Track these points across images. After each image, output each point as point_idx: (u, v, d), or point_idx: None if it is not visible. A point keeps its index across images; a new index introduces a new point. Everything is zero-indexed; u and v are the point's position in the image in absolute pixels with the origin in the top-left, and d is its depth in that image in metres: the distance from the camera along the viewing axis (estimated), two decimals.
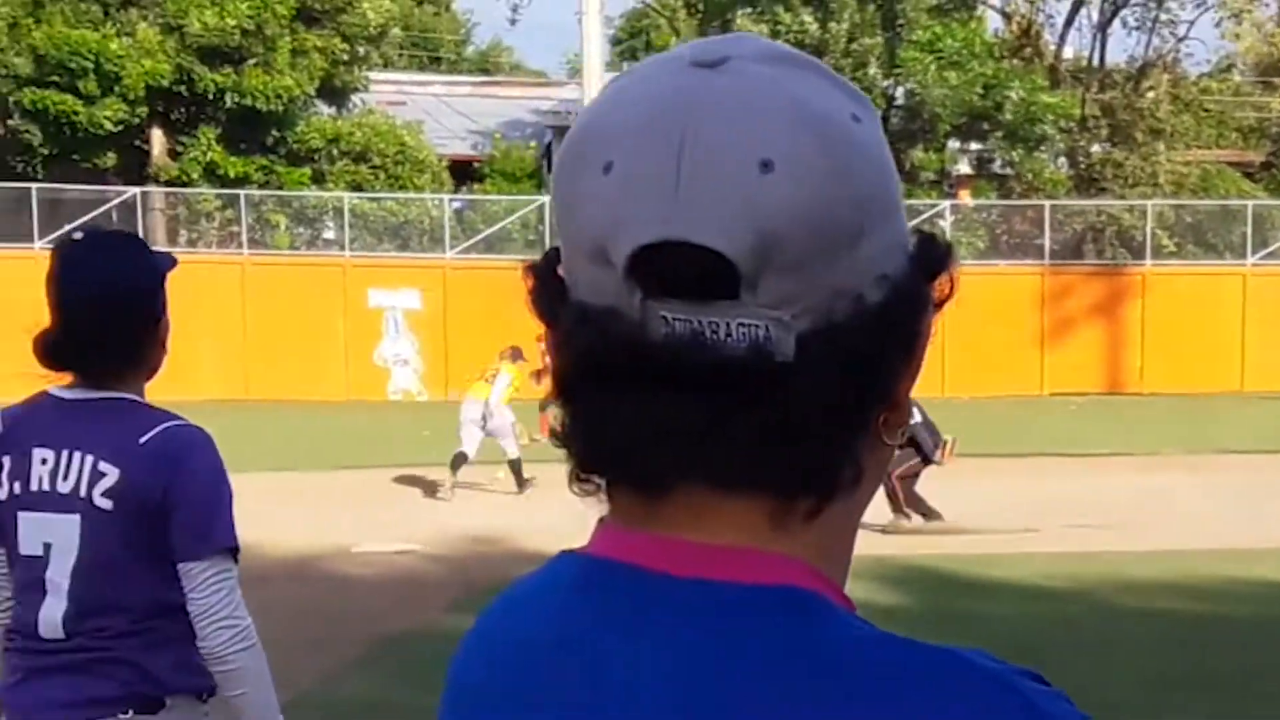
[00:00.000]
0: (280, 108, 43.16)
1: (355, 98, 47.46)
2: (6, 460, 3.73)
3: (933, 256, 1.21)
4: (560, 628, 1.23)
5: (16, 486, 3.71)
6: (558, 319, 1.19)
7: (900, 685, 1.12)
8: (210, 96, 43.15)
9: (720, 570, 1.15)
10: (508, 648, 1.29)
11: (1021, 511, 18.06)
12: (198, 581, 3.78)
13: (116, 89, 42.24)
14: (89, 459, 3.73)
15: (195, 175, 43.39)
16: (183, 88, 43.01)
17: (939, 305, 1.22)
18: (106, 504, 3.72)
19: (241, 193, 41.88)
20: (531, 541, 15.91)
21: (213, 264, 40.71)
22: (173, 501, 3.74)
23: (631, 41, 65.06)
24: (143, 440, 3.78)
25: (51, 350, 3.84)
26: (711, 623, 1.14)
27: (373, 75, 47.98)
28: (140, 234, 39.95)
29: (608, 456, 1.18)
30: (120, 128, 42.70)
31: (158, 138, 44.32)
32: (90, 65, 41.97)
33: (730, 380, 1.10)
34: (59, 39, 41.87)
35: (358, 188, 43.94)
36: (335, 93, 46.06)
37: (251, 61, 43.07)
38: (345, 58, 44.72)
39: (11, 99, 43.01)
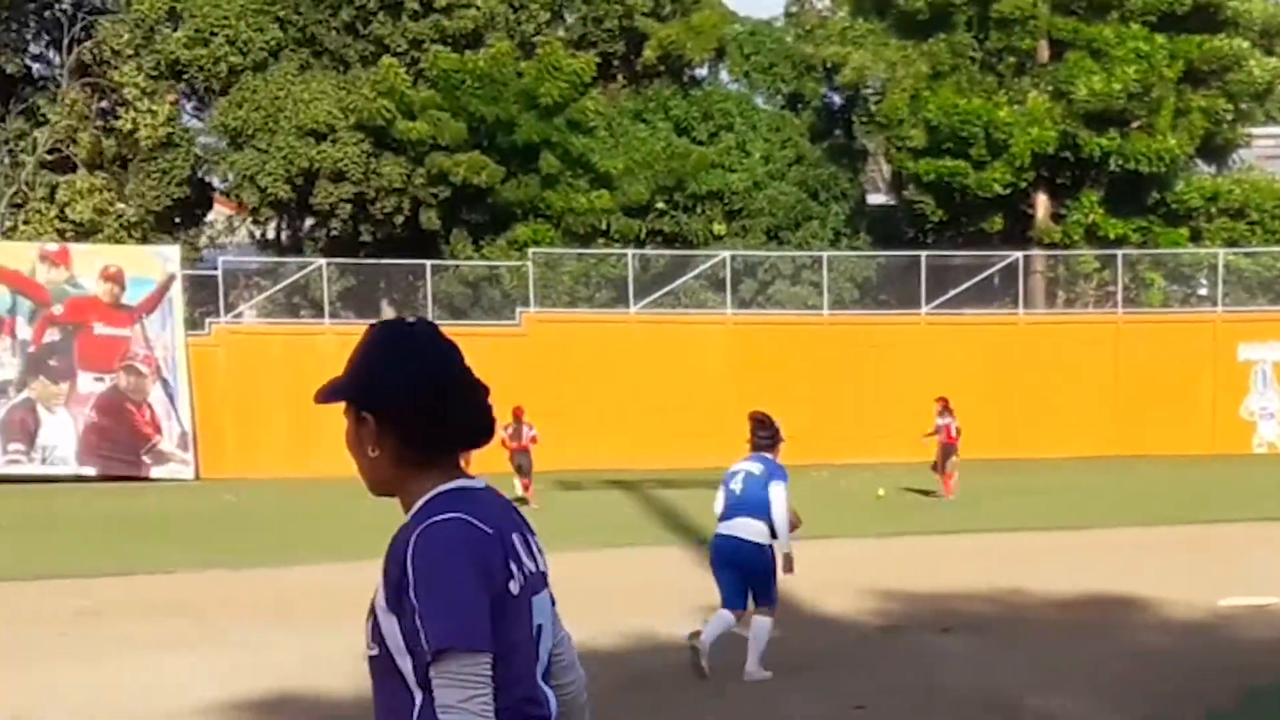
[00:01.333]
0: (1161, 169, 43.68)
1: (1235, 155, 47.26)
2: (504, 554, 3.63)
3: None
4: None
5: (520, 579, 3.67)
6: None
7: None
8: (1094, 160, 44.24)
9: None
10: None
11: None
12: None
13: (1004, 156, 44.02)
14: (530, 536, 3.85)
15: (1076, 237, 44.56)
16: (1067, 153, 44.22)
17: None
18: (548, 570, 3.89)
19: (1119, 253, 42.71)
20: None
21: (1087, 323, 41.96)
22: None
23: None
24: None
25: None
26: None
27: (1254, 131, 47.57)
28: (1021, 296, 41.97)
29: None
30: (1007, 191, 44.44)
31: (1041, 202, 45.71)
32: (980, 133, 43.87)
33: None
34: (949, 108, 44.03)
35: (1233, 244, 43.86)
36: (1215, 151, 46.07)
37: (1135, 124, 43.87)
38: (1228, 116, 44.71)
39: (907, 171, 45.71)
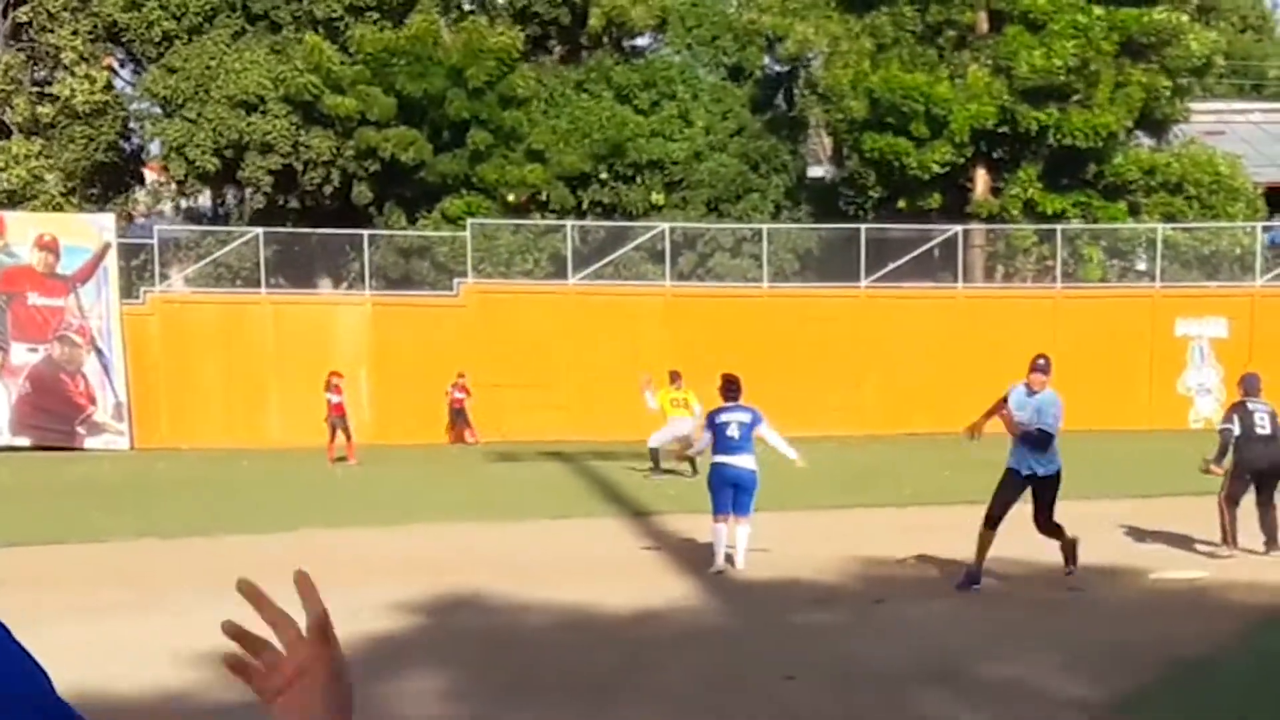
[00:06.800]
0: (1099, 143, 43.79)
1: (1174, 129, 47.41)
2: None
3: None
4: None
5: None
6: None
7: None
8: (1032, 135, 44.31)
9: None
10: None
11: None
12: None
13: (944, 132, 44.02)
14: None
15: (1015, 212, 44.63)
16: (1006, 128, 44.28)
17: None
18: None
19: (1058, 227, 42.79)
20: None
21: (1026, 297, 42.10)
22: None
23: None
24: None
25: None
26: None
27: (1193, 106, 47.71)
28: (960, 270, 42.09)
29: None
30: (945, 169, 44.48)
31: (980, 177, 45.74)
32: (921, 109, 43.84)
33: None
34: (894, 83, 43.95)
35: (1171, 219, 44.02)
36: (1154, 125, 46.13)
37: (1074, 99, 43.99)
38: (1167, 91, 44.79)
39: (849, 143, 45.67)
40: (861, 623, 13.92)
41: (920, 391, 39.32)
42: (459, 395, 38.83)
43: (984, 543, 15.82)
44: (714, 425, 17.30)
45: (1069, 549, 16.14)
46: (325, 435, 34.60)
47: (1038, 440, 15.84)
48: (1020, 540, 18.68)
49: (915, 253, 41.83)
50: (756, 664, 11.93)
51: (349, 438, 34.13)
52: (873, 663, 11.93)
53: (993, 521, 15.78)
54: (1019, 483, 16.01)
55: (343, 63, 45.27)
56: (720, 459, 17.16)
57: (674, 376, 30.00)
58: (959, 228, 42.81)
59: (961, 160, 44.58)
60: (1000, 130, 44.19)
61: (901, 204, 44.76)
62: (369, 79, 44.72)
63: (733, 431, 17.05)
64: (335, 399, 34.21)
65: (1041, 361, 16.49)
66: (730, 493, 17.04)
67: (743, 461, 17.07)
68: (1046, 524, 16.07)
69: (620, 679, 11.47)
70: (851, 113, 44.64)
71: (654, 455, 29.47)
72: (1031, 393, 16.27)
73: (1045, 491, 16.03)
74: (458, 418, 39.25)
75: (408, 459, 33.90)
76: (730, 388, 17.57)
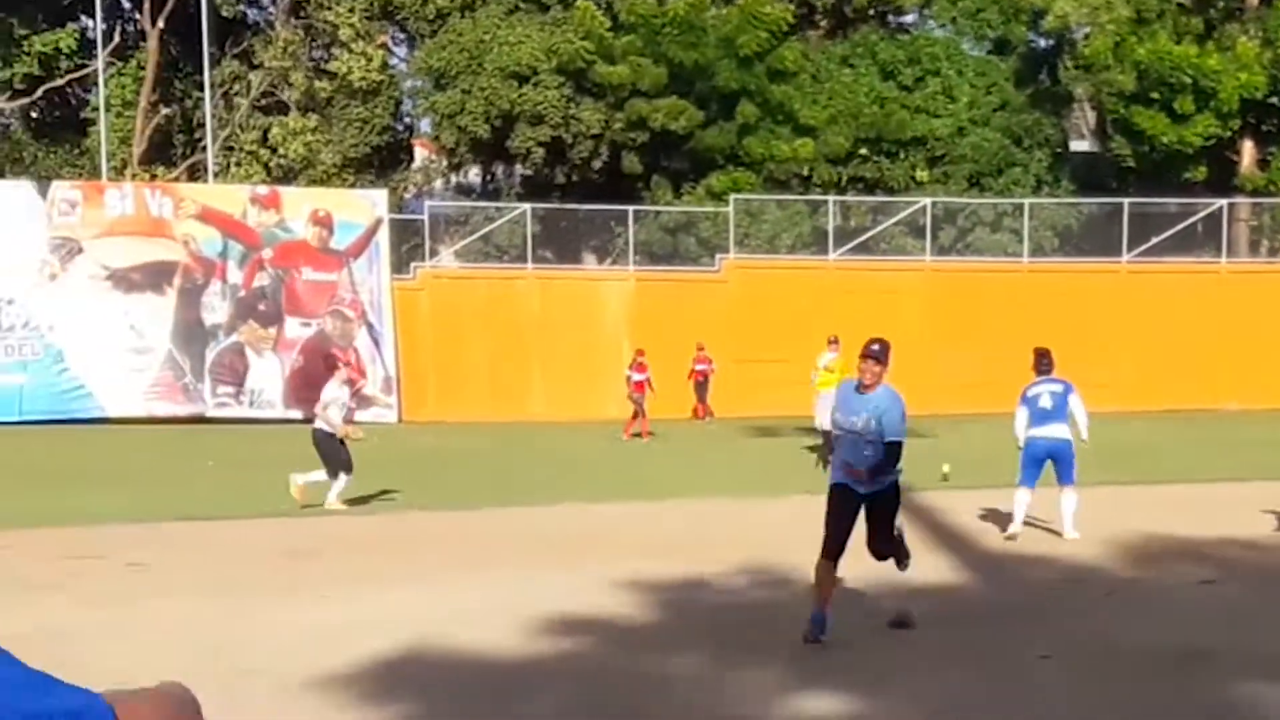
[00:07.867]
0: None
1: None
2: None
3: None
4: None
5: None
6: None
7: None
8: None
9: None
10: None
11: None
12: None
13: (1210, 104, 43.16)
14: None
15: None
16: (1276, 98, 43.34)
17: None
18: None
19: None
20: None
21: None
22: None
23: None
24: None
25: None
26: None
27: None
28: (1223, 245, 41.21)
29: None
30: (1211, 142, 43.63)
31: (1247, 149, 44.84)
32: (1188, 81, 43.03)
33: None
34: (1162, 53, 43.21)
35: None
36: None
37: None
38: None
39: (1117, 116, 44.92)
40: (1116, 601, 13.93)
41: (1181, 368, 38.69)
42: (700, 367, 38.98)
43: (823, 579, 12.21)
44: (1026, 400, 17.70)
45: (903, 554, 12.93)
46: (590, 409, 35.18)
47: (885, 463, 12.10)
48: (1255, 519, 18.49)
49: (1178, 228, 41.11)
50: (1015, 641, 12.08)
51: (634, 416, 34.64)
52: (1127, 641, 11.98)
53: (834, 555, 12.20)
54: (855, 501, 12.29)
55: (611, 30, 45.84)
56: (1034, 431, 17.56)
57: (834, 342, 29.32)
58: (1224, 201, 41.93)
59: (1228, 133, 43.69)
60: (1269, 101, 43.20)
61: (1167, 175, 44.00)
62: (640, 49, 45.21)
63: (1045, 402, 17.46)
64: (638, 376, 34.70)
65: (875, 347, 12.64)
66: (1039, 469, 17.53)
67: (1056, 431, 17.48)
68: (885, 543, 12.58)
69: (881, 655, 11.72)
70: (1118, 85, 43.97)
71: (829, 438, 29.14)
72: (863, 390, 12.40)
73: (885, 506, 12.41)
74: (701, 391, 39.53)
75: (670, 434, 34.38)
76: (1042, 361, 17.89)
